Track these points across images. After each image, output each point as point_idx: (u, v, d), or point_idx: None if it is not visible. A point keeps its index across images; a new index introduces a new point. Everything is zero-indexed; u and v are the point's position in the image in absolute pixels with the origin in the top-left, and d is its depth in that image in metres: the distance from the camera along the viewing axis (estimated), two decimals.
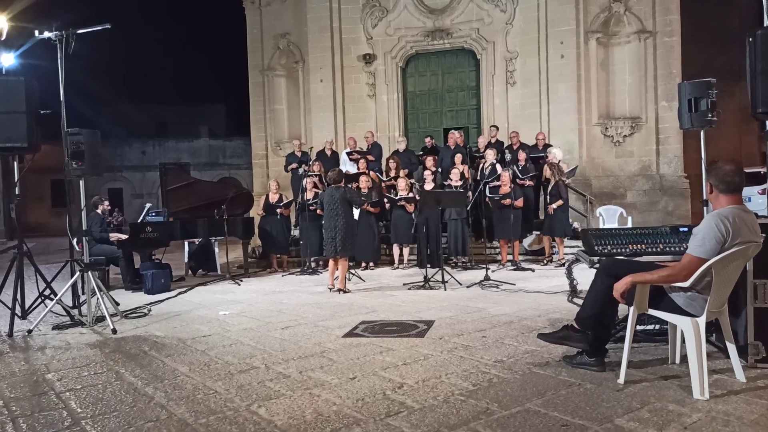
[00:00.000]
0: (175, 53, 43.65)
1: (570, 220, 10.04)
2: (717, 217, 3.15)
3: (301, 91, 14.84)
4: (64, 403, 3.45)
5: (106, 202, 9.08)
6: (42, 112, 5.73)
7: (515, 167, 9.98)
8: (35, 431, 3.09)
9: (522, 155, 10.21)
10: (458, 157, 10.36)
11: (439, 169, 10.68)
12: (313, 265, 9.60)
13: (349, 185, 10.35)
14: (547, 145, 10.96)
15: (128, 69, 41.13)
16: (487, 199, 9.48)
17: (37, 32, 5.85)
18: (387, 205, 10.08)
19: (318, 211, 8.74)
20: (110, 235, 8.76)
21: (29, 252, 5.98)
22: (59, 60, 5.82)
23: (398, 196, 9.67)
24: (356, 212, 8.65)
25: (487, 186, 9.64)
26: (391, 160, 10.94)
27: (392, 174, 10.63)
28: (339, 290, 7.47)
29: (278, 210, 10.01)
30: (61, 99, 5.89)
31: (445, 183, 9.98)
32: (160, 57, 44.05)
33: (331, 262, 7.73)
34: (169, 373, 3.99)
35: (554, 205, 9.26)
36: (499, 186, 9.49)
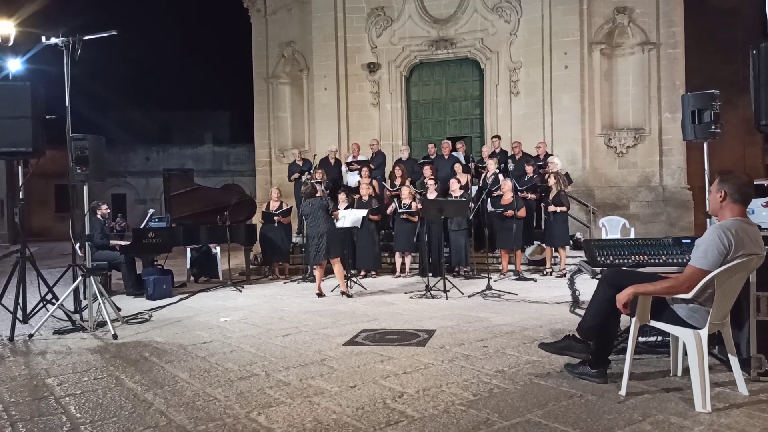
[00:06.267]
0: (180, 60, 43.95)
1: (576, 231, 9.98)
2: (720, 229, 3.15)
3: (306, 98, 14.89)
4: (63, 408, 3.45)
5: (104, 206, 9.08)
6: (47, 117, 5.76)
7: (513, 179, 9.92)
8: None
9: (529, 168, 10.14)
10: (458, 167, 10.36)
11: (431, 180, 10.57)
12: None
13: (350, 195, 10.38)
14: (548, 155, 10.94)
15: (134, 75, 41.52)
16: (489, 212, 9.45)
17: (43, 38, 5.89)
18: (389, 211, 10.08)
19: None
20: (111, 241, 8.78)
21: (32, 256, 5.99)
22: (65, 66, 5.85)
23: (404, 207, 9.64)
24: (359, 220, 8.64)
25: (490, 197, 9.58)
26: (397, 168, 10.94)
27: (398, 182, 10.61)
28: (342, 293, 7.55)
29: (275, 218, 10.01)
30: (67, 104, 5.91)
31: (448, 192, 9.95)
32: (166, 63, 44.45)
33: (318, 270, 7.86)
34: (169, 380, 3.99)
35: (558, 209, 9.22)
36: (500, 195, 9.46)
